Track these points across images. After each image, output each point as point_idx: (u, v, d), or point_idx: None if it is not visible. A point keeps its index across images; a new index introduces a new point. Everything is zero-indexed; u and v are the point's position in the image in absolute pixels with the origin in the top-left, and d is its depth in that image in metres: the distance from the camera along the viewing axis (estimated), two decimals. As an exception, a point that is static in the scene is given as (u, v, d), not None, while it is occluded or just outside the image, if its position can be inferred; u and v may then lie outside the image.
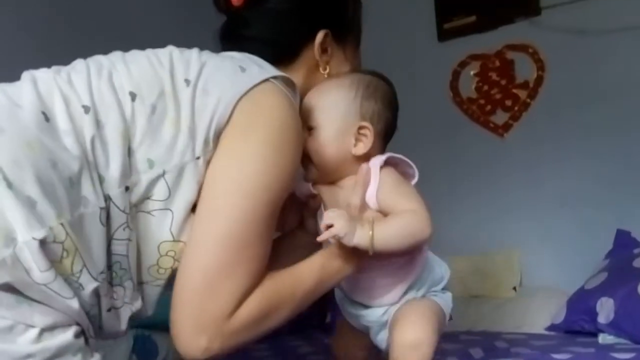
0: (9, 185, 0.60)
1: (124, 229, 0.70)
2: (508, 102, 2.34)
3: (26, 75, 0.73)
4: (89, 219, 0.66)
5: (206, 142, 0.73)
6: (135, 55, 0.78)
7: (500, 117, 2.35)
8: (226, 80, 0.76)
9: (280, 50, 0.89)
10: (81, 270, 0.65)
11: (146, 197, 0.71)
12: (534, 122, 2.27)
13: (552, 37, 2.23)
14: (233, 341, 0.73)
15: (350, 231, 0.77)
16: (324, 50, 0.92)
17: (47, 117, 0.67)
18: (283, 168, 0.75)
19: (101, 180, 0.68)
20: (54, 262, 0.62)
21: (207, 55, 0.80)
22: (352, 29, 0.98)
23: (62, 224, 0.62)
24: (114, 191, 0.68)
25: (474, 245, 2.24)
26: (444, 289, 0.98)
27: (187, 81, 0.74)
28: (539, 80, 2.28)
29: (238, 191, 0.72)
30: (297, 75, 0.89)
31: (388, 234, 0.80)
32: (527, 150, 2.25)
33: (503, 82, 2.36)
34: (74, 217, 0.64)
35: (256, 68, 0.79)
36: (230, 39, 0.91)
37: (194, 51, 0.80)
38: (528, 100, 2.30)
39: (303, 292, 0.79)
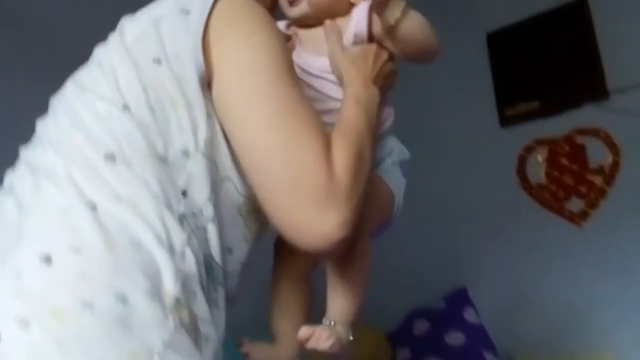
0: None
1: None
2: (583, 189, 2.23)
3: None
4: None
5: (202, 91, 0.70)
6: (94, 70, 0.74)
7: (575, 205, 2.23)
8: (184, 35, 0.71)
9: None
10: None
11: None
12: (614, 209, 2.13)
13: (623, 120, 2.14)
14: (354, 197, 0.66)
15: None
16: None
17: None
18: (270, 36, 0.72)
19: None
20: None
21: (150, 15, 0.74)
22: None
23: None
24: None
25: (557, 345, 2.07)
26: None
27: (156, 60, 0.70)
28: (615, 165, 2.17)
29: (250, 76, 0.69)
30: None
31: (418, 18, 0.80)
32: (610, 240, 2.10)
33: (575, 167, 2.26)
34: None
35: (197, 5, 0.73)
36: None
37: (141, 20, 0.75)
38: (605, 186, 2.18)
39: (364, 125, 0.75)
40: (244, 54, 0.70)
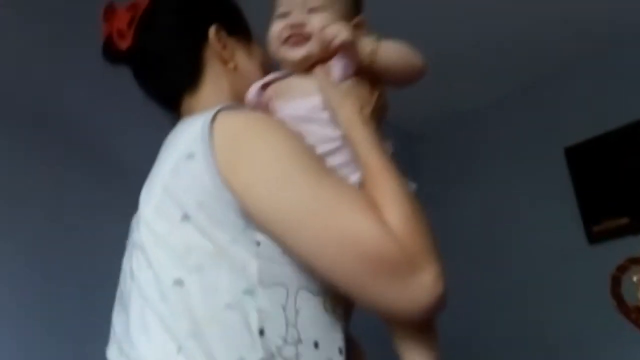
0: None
1: None
2: (687, 313, 2.03)
3: None
4: None
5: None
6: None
7: (680, 331, 2.03)
8: (198, 180, 0.71)
9: (186, 66, 0.90)
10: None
11: None
12: None
13: None
14: (428, 244, 0.64)
15: (355, 40, 0.78)
16: (223, 46, 0.92)
17: None
18: (276, 140, 0.73)
19: None
20: None
21: (161, 181, 0.75)
22: (240, 19, 0.99)
23: None
24: None
25: None
26: None
27: (184, 217, 0.70)
28: None
29: (279, 190, 0.68)
30: (217, 82, 0.90)
31: (392, 46, 0.81)
32: None
33: (676, 289, 2.08)
34: None
35: (193, 138, 0.73)
36: (142, 80, 0.93)
37: (154, 190, 0.75)
38: None
39: (388, 165, 0.72)
40: (263, 176, 0.69)
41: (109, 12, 0.90)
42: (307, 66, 0.83)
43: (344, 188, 0.69)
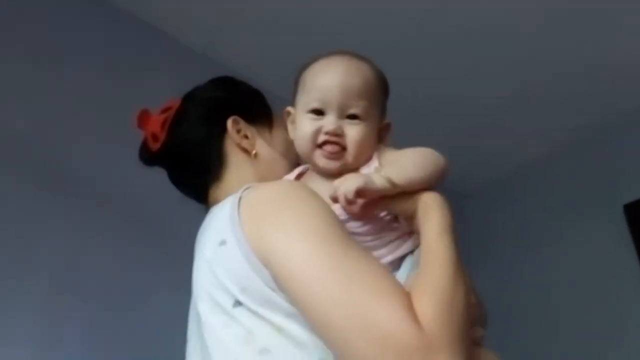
0: None
1: None
2: None
3: None
4: None
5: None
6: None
7: None
8: (235, 263, 0.71)
9: (208, 159, 0.93)
10: None
11: None
12: None
13: None
14: (454, 342, 0.60)
15: (366, 180, 0.73)
16: (243, 136, 0.95)
17: None
18: (302, 211, 0.70)
19: None
20: None
21: (207, 265, 0.76)
22: (260, 105, 1.01)
23: None
24: None
25: None
26: None
27: (237, 302, 0.71)
28: None
29: (296, 251, 0.67)
30: (241, 171, 0.92)
31: (403, 166, 0.78)
32: None
33: None
34: None
35: (223, 223, 0.75)
36: (173, 179, 0.97)
37: (202, 274, 0.78)
38: None
39: (449, 252, 0.69)
40: (287, 252, 0.67)
41: (144, 118, 0.97)
42: (338, 173, 0.81)
43: (370, 269, 0.65)
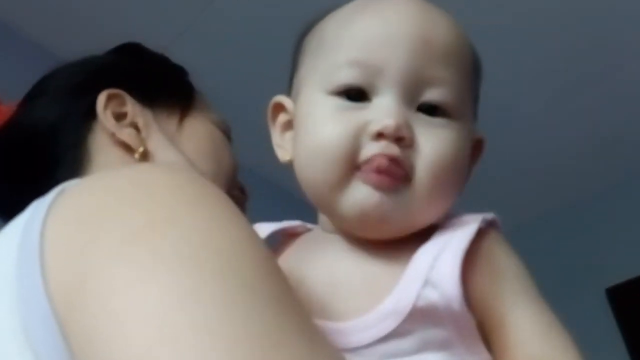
0: None
1: None
2: None
3: None
4: None
5: None
6: None
7: None
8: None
9: (63, 154, 0.57)
10: None
11: None
12: None
13: None
14: None
15: None
16: (129, 124, 0.58)
17: None
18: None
19: None
20: None
21: None
22: (166, 81, 0.64)
23: None
24: None
25: None
26: None
27: None
28: None
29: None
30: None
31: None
32: None
33: None
34: None
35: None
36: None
37: None
38: None
39: None
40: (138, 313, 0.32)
41: None
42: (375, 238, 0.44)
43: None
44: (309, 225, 0.52)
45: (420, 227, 0.44)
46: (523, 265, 0.45)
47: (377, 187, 0.41)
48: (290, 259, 0.47)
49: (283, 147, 0.48)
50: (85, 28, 1.61)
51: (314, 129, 0.43)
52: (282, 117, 0.49)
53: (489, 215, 0.44)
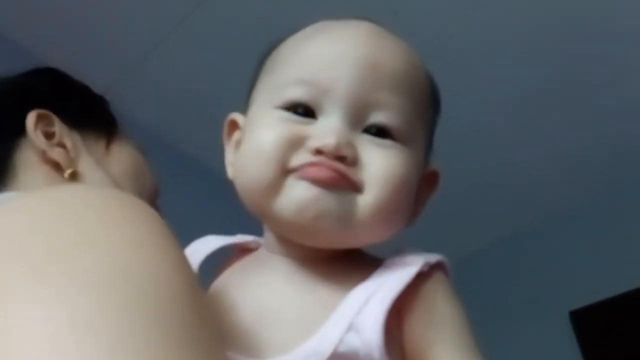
0: None
1: None
2: None
3: None
4: None
5: None
6: None
7: None
8: None
9: None
10: None
11: None
12: None
13: None
14: None
15: None
16: (57, 144, 0.60)
17: None
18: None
19: None
20: None
21: None
22: (92, 108, 0.67)
23: None
24: None
25: None
26: None
27: None
28: None
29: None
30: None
31: None
32: None
33: None
34: None
35: None
36: None
37: None
38: None
39: None
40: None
41: None
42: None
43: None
44: (262, 241, 0.50)
45: (358, 244, 0.44)
46: (462, 311, 0.44)
47: (315, 181, 0.40)
48: (229, 280, 0.46)
49: (232, 163, 0.48)
50: (73, 27, 1.55)
51: (252, 136, 0.44)
52: (236, 135, 0.49)
53: (433, 257, 0.44)
